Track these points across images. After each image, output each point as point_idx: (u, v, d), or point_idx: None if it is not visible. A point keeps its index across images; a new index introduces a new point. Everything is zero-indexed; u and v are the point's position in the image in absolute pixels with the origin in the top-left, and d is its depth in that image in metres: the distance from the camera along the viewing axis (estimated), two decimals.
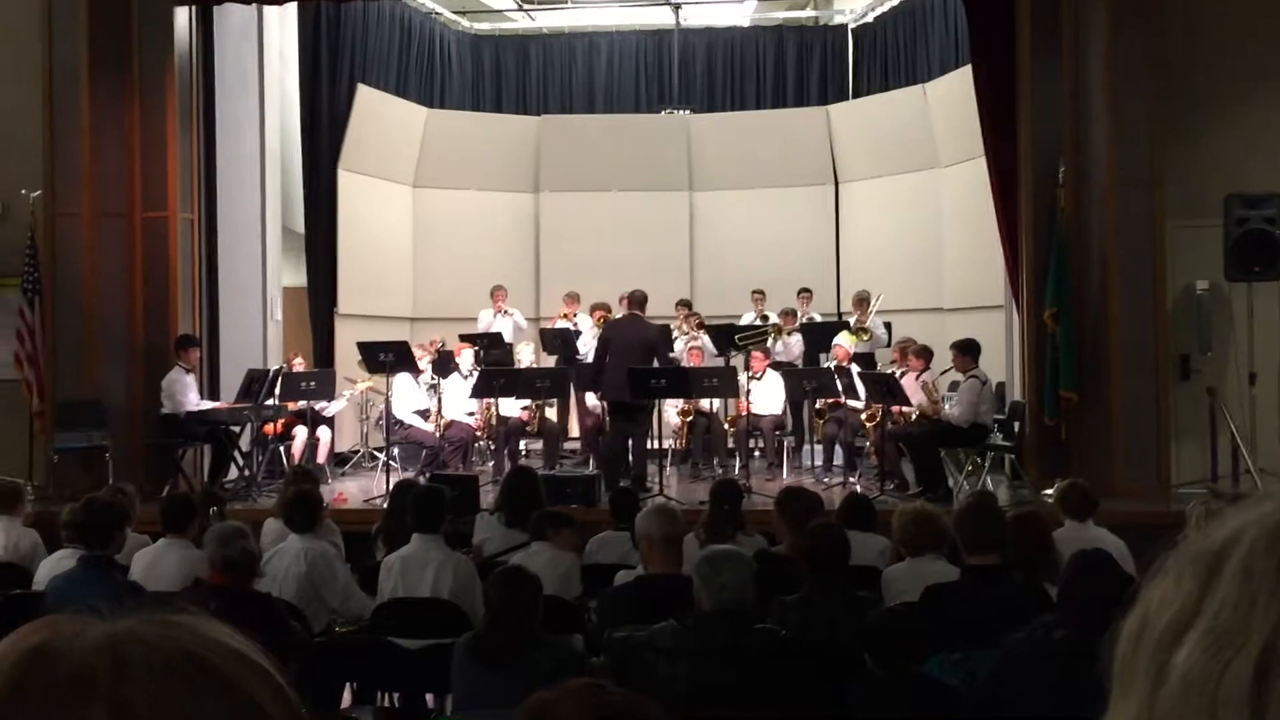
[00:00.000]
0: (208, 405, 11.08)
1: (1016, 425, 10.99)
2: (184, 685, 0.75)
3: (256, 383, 10.96)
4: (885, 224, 14.92)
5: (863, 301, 13.12)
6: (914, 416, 10.81)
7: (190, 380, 10.86)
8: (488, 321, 13.65)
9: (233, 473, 11.12)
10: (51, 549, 6.77)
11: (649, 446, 11.06)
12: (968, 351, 10.42)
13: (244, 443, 11.38)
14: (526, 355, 13.27)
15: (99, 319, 11.03)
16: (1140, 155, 10.14)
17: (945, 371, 11.28)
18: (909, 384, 10.82)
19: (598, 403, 12.06)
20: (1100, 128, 10.23)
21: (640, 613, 4.78)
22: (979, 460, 10.89)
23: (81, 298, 11.03)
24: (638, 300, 11.07)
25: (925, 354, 11.20)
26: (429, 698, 5.75)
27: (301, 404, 11.72)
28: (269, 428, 11.71)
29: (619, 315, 11.73)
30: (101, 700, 0.73)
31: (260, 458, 11.44)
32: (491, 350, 12.70)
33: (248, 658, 0.79)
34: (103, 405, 10.90)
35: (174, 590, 5.71)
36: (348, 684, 5.93)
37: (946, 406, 10.75)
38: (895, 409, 10.81)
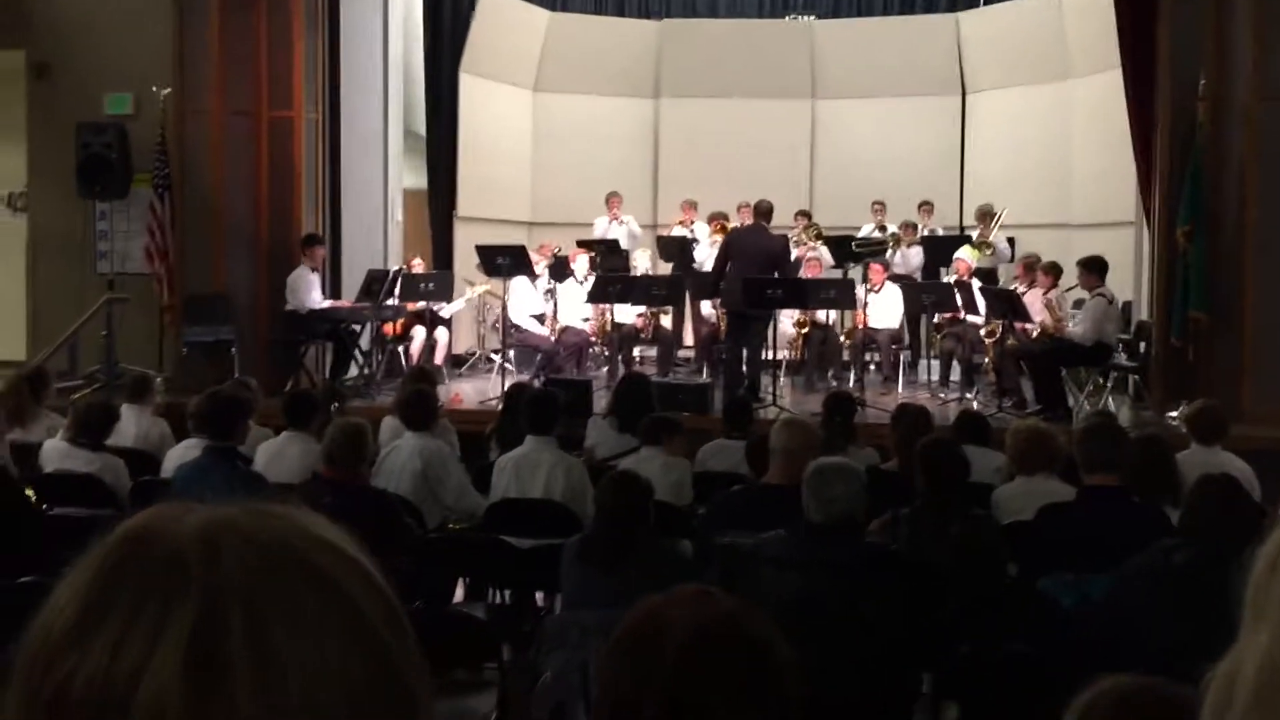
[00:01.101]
0: (329, 303, 11.27)
1: (1142, 346, 10.71)
2: (276, 575, 0.75)
3: (376, 283, 11.11)
4: (1012, 137, 14.52)
5: (986, 216, 12.84)
6: (1036, 334, 10.58)
7: (314, 279, 11.05)
8: (603, 228, 13.63)
9: (352, 371, 11.34)
10: (179, 439, 6.98)
11: (764, 357, 11.01)
12: (1094, 269, 10.14)
13: (364, 342, 11.58)
14: (643, 262, 13.24)
15: (226, 216, 11.26)
16: None
17: (1070, 289, 11.00)
18: (1032, 300, 10.59)
19: (713, 311, 12.02)
20: (1244, 38, 9.78)
21: (749, 521, 4.78)
22: (1101, 380, 10.64)
23: (209, 195, 11.26)
24: (763, 210, 10.94)
25: (1054, 270, 10.90)
26: (539, 595, 5.85)
27: (420, 305, 11.88)
28: (388, 327, 11.90)
29: (741, 224, 11.62)
30: (194, 585, 0.73)
31: (379, 357, 11.64)
32: (608, 256, 12.71)
33: (342, 551, 0.79)
34: (229, 301, 11.17)
35: (293, 483, 5.85)
36: (460, 580, 6.07)
37: (1070, 324, 10.51)
38: (1017, 325, 10.60)
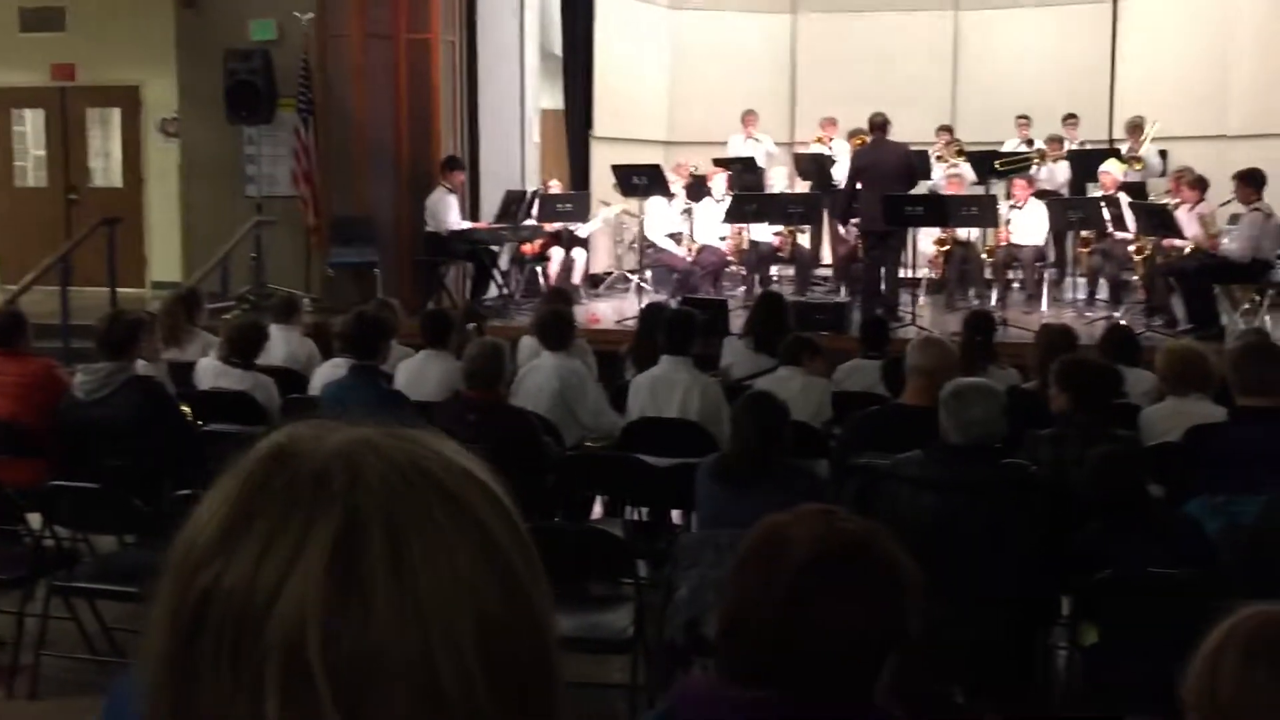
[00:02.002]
0: (469, 225, 11.40)
1: None
2: (413, 496, 0.76)
3: (514, 203, 11.21)
4: (1167, 45, 13.92)
5: (1136, 128, 12.40)
6: (1187, 250, 10.23)
7: (453, 200, 11.18)
8: (738, 147, 13.50)
9: (492, 291, 11.48)
10: (326, 358, 7.16)
11: (903, 275, 10.85)
12: (1251, 182, 9.74)
13: (502, 262, 11.71)
14: (780, 180, 13.10)
15: (367, 139, 11.43)
16: None
17: (1226, 203, 10.59)
18: (1184, 216, 10.22)
19: (852, 229, 11.87)
20: None
21: (885, 441, 4.75)
22: (1257, 298, 10.25)
23: (351, 118, 11.43)
24: (878, 124, 10.75)
25: (1200, 184, 10.49)
26: (675, 513, 5.90)
27: (557, 225, 11.95)
28: (526, 248, 12.00)
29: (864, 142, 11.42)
30: (336, 502, 0.75)
31: (518, 277, 11.77)
32: (745, 175, 12.60)
33: (475, 477, 0.81)
34: (372, 222, 11.38)
35: (434, 400, 5.98)
36: (598, 497, 6.15)
37: (1225, 240, 10.12)
38: (1168, 242, 10.25)
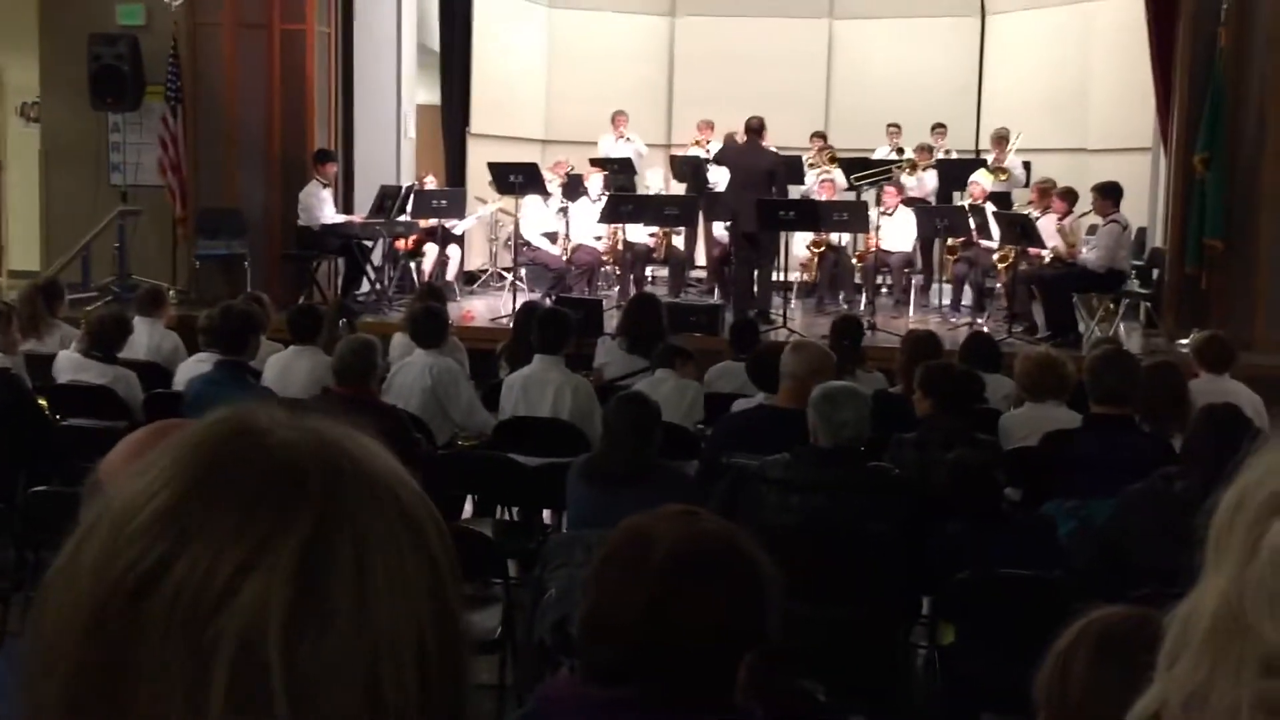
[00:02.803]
0: (342, 219, 11.26)
1: (1155, 272, 10.67)
2: (380, 514, 0.76)
3: (389, 199, 11.09)
4: (1031, 59, 14.33)
5: (1001, 139, 12.75)
6: (1049, 259, 10.54)
7: (326, 194, 11.03)
8: (608, 147, 13.55)
9: (364, 287, 11.35)
10: (191, 352, 7.02)
11: (776, 278, 11.00)
12: (1109, 195, 10.08)
13: (376, 257, 11.58)
14: (656, 181, 13.17)
15: (238, 130, 11.22)
16: None
17: (1084, 214, 10.93)
18: (1046, 225, 10.53)
19: (725, 232, 11.98)
20: None
21: (755, 442, 4.81)
22: (1112, 306, 10.62)
23: (222, 108, 11.20)
24: (753, 126, 10.91)
25: (1069, 196, 10.80)
26: (546, 513, 5.91)
27: (432, 221, 11.86)
28: (400, 244, 11.89)
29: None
30: (311, 506, 0.73)
31: (391, 273, 11.65)
32: (620, 175, 12.64)
33: (422, 496, 0.81)
34: (242, 215, 11.16)
35: (303, 397, 5.90)
36: (469, 496, 6.13)
37: (1083, 250, 10.46)
38: (1030, 251, 10.56)
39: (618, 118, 13.74)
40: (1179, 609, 0.80)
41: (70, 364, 6.47)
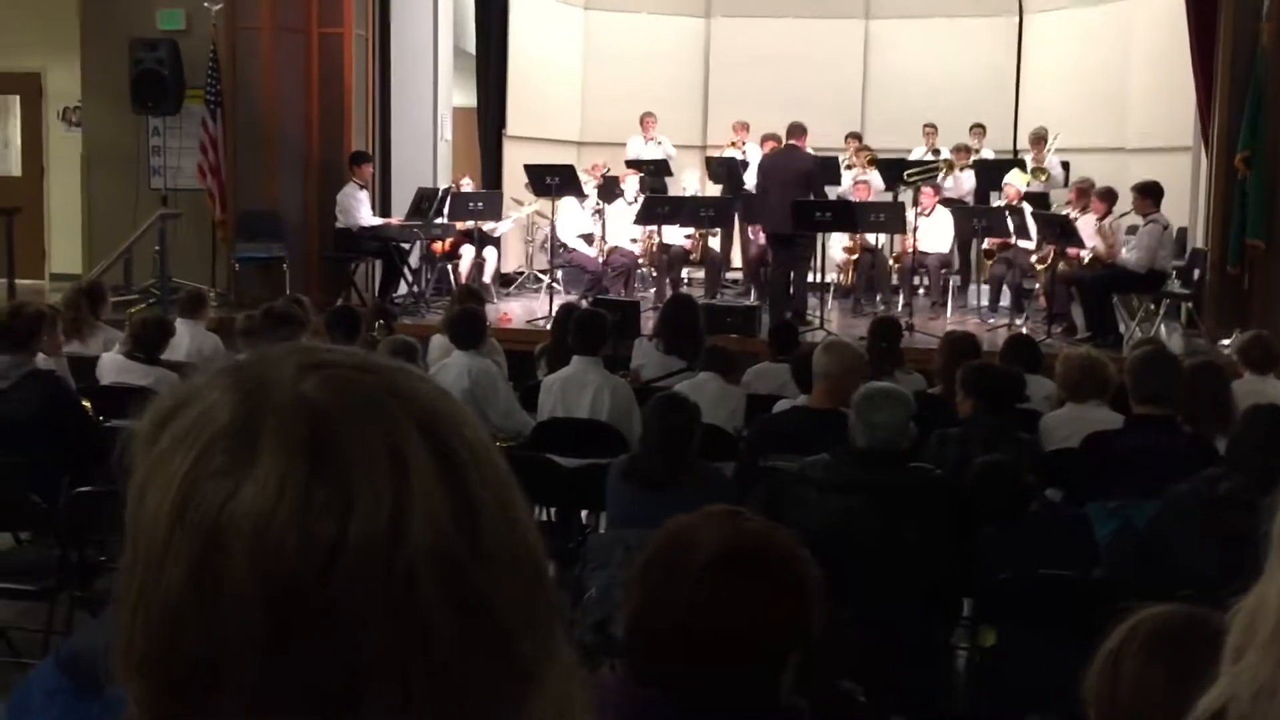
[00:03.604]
0: (379, 221, 11.32)
1: (1196, 273, 10.58)
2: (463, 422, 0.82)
3: (426, 201, 11.14)
4: (1070, 58, 14.25)
5: (1040, 139, 12.66)
6: (1088, 260, 10.47)
7: (364, 196, 11.09)
8: (637, 149, 13.54)
9: (402, 289, 11.40)
10: (232, 353, 7.06)
11: (813, 280, 10.97)
12: (1149, 194, 10.00)
13: (413, 260, 11.63)
14: (691, 183, 13.18)
15: (277, 133, 11.30)
16: None
17: (1124, 215, 10.85)
18: (1085, 226, 10.46)
19: (761, 234, 11.97)
20: None
21: (793, 444, 4.80)
22: (1153, 307, 10.53)
23: (261, 111, 11.29)
24: (795, 131, 10.89)
25: (1109, 196, 10.73)
26: (584, 514, 5.91)
27: (469, 224, 11.89)
28: (437, 246, 11.94)
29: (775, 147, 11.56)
30: (417, 453, 0.77)
31: (428, 275, 11.70)
32: (656, 177, 12.65)
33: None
34: (281, 217, 11.24)
35: None
36: None
37: (1123, 251, 10.38)
38: (1069, 251, 10.48)
39: (646, 119, 13.75)
40: (1243, 604, 0.80)
41: (114, 366, 6.53)
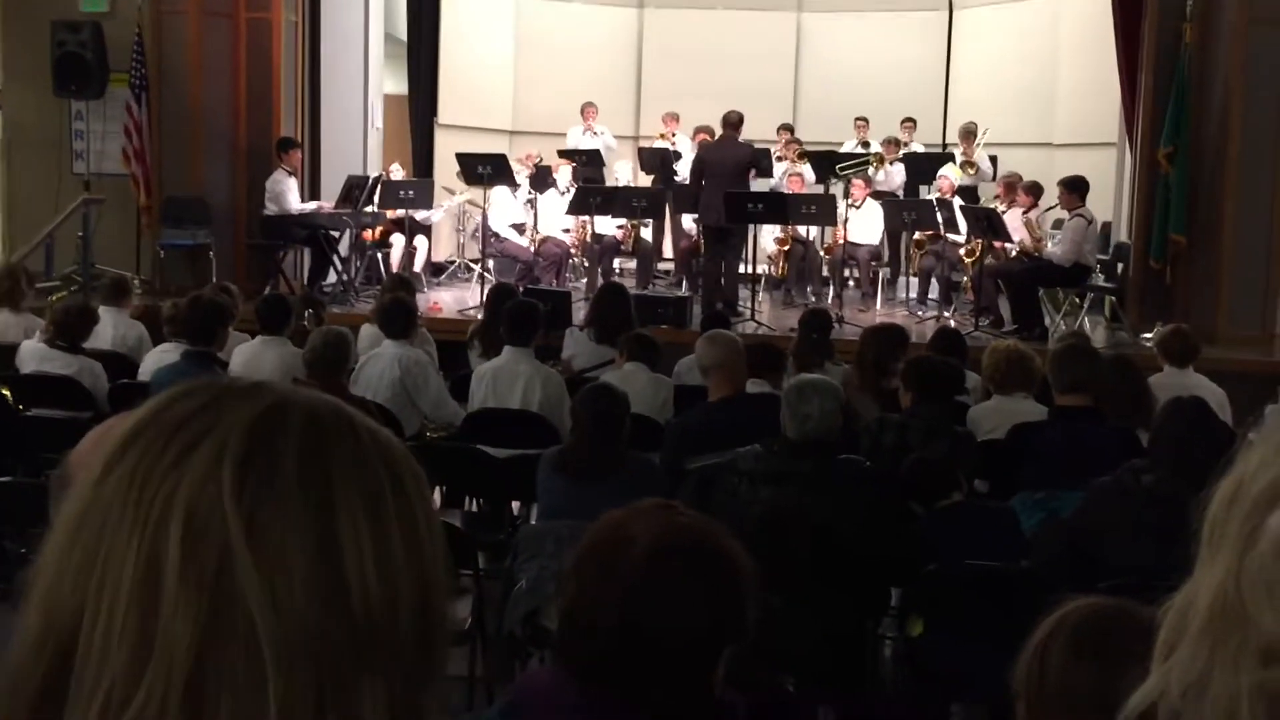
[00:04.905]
0: (311, 206, 11.19)
1: (1120, 267, 10.75)
2: (337, 414, 0.86)
3: (356, 189, 11.03)
4: (998, 54, 14.42)
5: (969, 134, 12.80)
6: (1014, 253, 10.61)
7: (292, 183, 10.96)
8: (576, 139, 13.52)
9: (331, 277, 11.29)
10: (157, 342, 6.96)
11: (744, 271, 11.01)
12: (1075, 189, 10.15)
13: (343, 248, 11.51)
14: (624, 174, 13.16)
15: (204, 118, 11.13)
16: None
17: (1050, 209, 11.01)
18: (1012, 220, 10.59)
19: (693, 225, 12.00)
20: None
21: (710, 437, 4.84)
22: (1078, 300, 10.69)
23: (187, 96, 11.11)
24: (731, 121, 10.91)
25: (1034, 190, 10.87)
26: (515, 505, 5.90)
27: (400, 212, 11.80)
28: (367, 234, 11.83)
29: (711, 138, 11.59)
30: (268, 393, 0.82)
31: (358, 263, 11.60)
32: (588, 167, 12.63)
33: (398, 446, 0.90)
34: (207, 204, 11.08)
35: None
36: (437, 487, 6.11)
37: (1049, 244, 10.53)
38: (996, 244, 10.61)
39: (587, 109, 13.72)
40: (1174, 600, 0.81)
41: (35, 354, 6.40)
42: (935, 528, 4.24)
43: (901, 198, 12.68)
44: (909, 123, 13.64)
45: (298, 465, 0.77)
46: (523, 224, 12.42)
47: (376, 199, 11.31)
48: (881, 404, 5.69)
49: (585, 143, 13.37)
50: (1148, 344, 8.34)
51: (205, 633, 0.72)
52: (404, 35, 14.01)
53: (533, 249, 12.13)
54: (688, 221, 12.34)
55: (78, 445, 1.61)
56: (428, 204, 12.07)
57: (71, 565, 0.75)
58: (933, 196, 12.01)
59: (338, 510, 0.78)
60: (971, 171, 12.53)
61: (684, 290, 11.91)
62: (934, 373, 5.33)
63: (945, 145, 14.10)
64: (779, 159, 13.18)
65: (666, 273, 13.29)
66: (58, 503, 0.83)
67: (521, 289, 10.62)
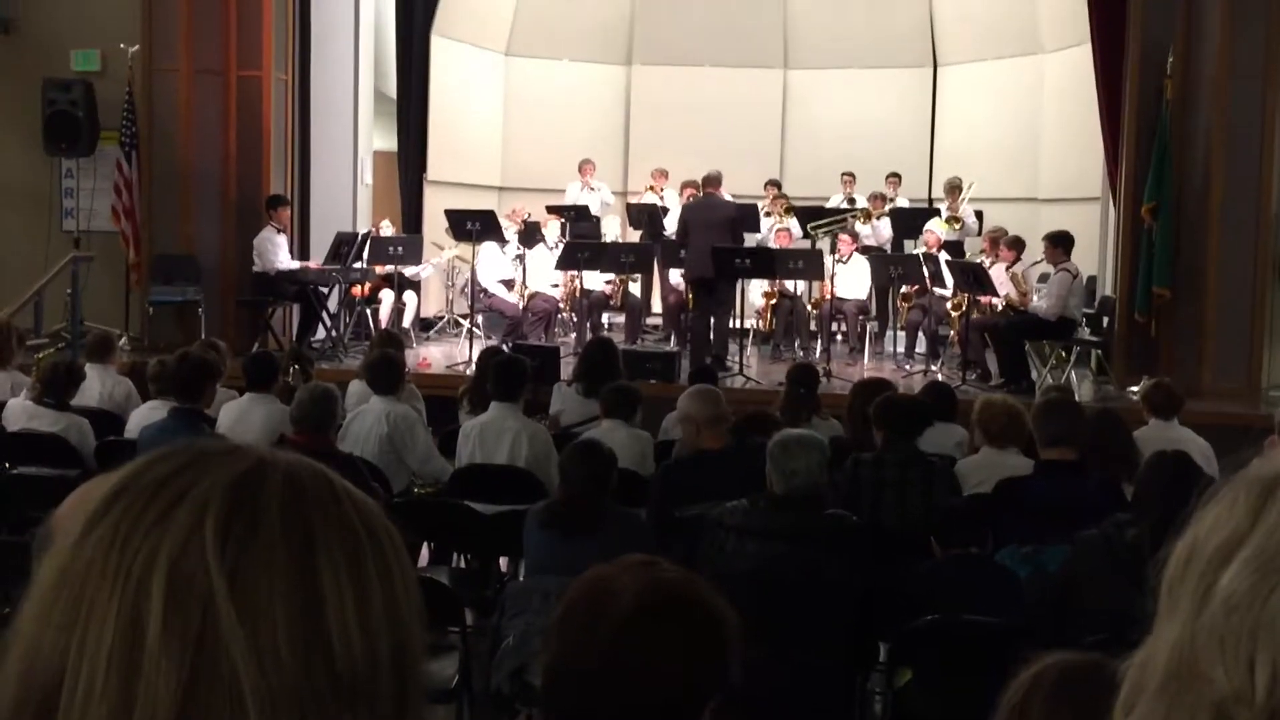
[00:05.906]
0: (297, 265, 11.22)
1: (1105, 321, 10.81)
2: (318, 477, 0.86)
3: (345, 245, 11.07)
4: (982, 110, 14.57)
5: (954, 189, 12.90)
6: (1001, 307, 10.66)
7: (281, 240, 11.00)
8: (574, 195, 13.61)
9: (320, 333, 11.30)
10: (145, 399, 6.95)
11: (732, 326, 11.05)
12: (1060, 243, 10.22)
13: (331, 304, 11.53)
14: (613, 229, 13.24)
15: (194, 175, 11.17)
16: (1255, 46, 9.77)
17: (1036, 263, 11.08)
18: (998, 274, 10.66)
19: (681, 280, 12.05)
20: (1214, 15, 9.85)
21: (697, 488, 4.86)
22: (1064, 354, 10.74)
23: (177, 154, 11.16)
24: (711, 180, 11.04)
25: (1017, 245, 10.97)
26: (502, 561, 5.88)
27: (389, 268, 11.84)
28: (356, 290, 11.86)
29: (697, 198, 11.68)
30: (249, 455, 0.84)
31: (347, 319, 11.61)
32: (578, 223, 12.69)
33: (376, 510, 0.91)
34: (196, 261, 11.11)
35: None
36: (425, 544, 6.09)
37: (1035, 298, 10.59)
38: (982, 299, 10.67)
39: (584, 166, 13.83)
40: (1135, 658, 0.82)
41: (21, 412, 6.39)
42: (941, 575, 4.24)
43: (889, 252, 12.75)
44: (894, 178, 13.75)
45: (280, 522, 0.79)
46: (511, 279, 12.46)
47: (365, 255, 11.35)
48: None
49: (583, 199, 13.44)
50: (1133, 397, 8.37)
51: (187, 689, 0.74)
52: (393, 92, 14.11)
53: (521, 304, 12.16)
54: (675, 276, 12.39)
55: (60, 505, 1.61)
56: (417, 260, 12.12)
57: (52, 624, 0.77)
58: (919, 251, 12.09)
59: (320, 565, 0.79)
60: (957, 226, 12.62)
61: (672, 345, 11.94)
62: (901, 408, 5.53)
63: (931, 200, 14.21)
64: (766, 214, 13.27)
65: (655, 327, 13.33)
66: (40, 562, 0.84)
67: (510, 345, 10.66)
